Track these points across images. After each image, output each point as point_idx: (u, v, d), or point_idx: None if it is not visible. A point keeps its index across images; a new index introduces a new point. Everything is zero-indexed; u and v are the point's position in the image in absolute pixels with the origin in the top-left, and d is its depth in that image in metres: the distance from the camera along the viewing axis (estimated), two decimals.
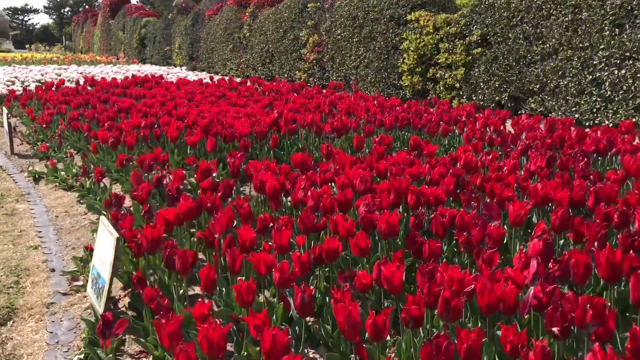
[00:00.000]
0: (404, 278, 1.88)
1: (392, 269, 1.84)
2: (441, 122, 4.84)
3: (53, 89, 8.49)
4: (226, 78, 12.37)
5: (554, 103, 7.18)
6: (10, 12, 77.96)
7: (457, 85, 8.51)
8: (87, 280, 2.83)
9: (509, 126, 5.85)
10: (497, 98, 8.02)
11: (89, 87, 8.44)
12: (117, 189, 4.43)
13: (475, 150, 3.73)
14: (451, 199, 2.89)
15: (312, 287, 2.04)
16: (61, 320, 2.62)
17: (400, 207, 2.85)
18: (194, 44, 18.54)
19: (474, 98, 8.33)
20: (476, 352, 1.50)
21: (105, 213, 3.66)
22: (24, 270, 3.17)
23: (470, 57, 8.35)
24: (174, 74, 14.08)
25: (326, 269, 2.50)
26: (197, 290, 2.61)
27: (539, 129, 4.68)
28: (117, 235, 2.40)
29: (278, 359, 1.54)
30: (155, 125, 5.17)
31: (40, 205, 4.33)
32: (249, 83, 10.09)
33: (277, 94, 8.13)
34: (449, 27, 8.68)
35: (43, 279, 3.06)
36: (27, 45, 58.61)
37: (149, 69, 15.43)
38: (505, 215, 2.58)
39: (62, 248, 3.49)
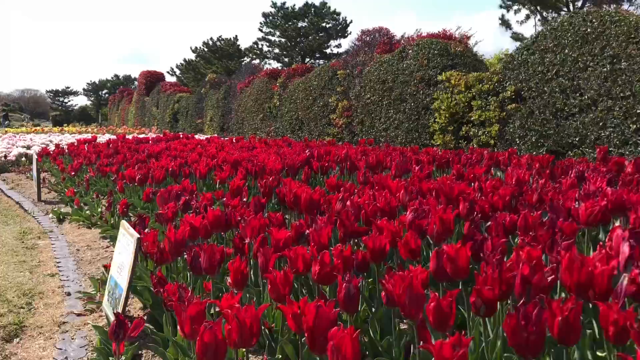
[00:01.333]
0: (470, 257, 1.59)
1: (456, 247, 1.55)
2: (482, 161, 4.60)
3: (85, 145, 8.53)
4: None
5: (596, 155, 6.88)
6: (52, 94, 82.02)
7: (492, 142, 8.30)
8: (103, 297, 2.57)
9: None
10: (534, 153, 7.75)
11: (119, 142, 8.49)
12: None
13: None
14: (507, 213, 2.59)
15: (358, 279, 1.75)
16: (72, 338, 2.34)
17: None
18: (225, 115, 18.92)
19: None
20: (575, 324, 1.19)
21: None
22: (37, 294, 2.93)
23: (505, 113, 8.18)
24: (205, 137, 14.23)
25: (370, 280, 2.20)
26: None
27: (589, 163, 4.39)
28: (137, 236, 2.17)
29: (324, 335, 1.24)
30: (185, 166, 5.04)
31: (61, 241, 4.14)
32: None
33: (307, 147, 8.02)
34: (481, 85, 8.60)
35: (57, 302, 2.80)
36: (65, 125, 61.20)
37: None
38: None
39: (80, 276, 3.25)
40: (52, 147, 11.17)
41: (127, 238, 2.26)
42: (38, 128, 25.01)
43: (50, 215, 5.03)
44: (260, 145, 7.62)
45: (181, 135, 10.05)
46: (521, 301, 1.24)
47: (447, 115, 9.08)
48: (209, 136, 14.36)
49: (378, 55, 11.44)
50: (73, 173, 6.14)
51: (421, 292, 1.34)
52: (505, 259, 2.00)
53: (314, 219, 2.66)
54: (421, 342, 1.34)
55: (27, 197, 6.34)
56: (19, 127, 50.12)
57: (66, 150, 8.26)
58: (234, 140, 9.37)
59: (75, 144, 9.22)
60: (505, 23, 20.77)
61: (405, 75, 10.25)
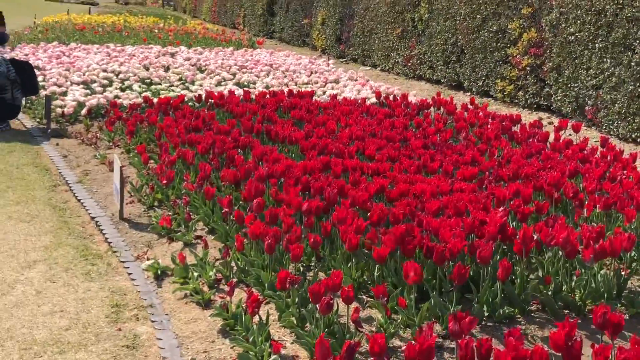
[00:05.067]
0: None
1: None
2: None
3: (170, 112, 8.94)
4: (396, 90, 12.35)
5: None
6: None
7: None
8: None
9: None
10: None
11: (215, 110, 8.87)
12: (273, 313, 4.49)
13: None
14: None
15: None
16: None
17: None
18: (344, 20, 18.82)
19: None
20: None
21: None
22: None
23: None
24: (320, 72, 14.36)
25: None
26: None
27: None
28: None
29: None
30: (324, 217, 5.25)
31: (168, 332, 4.47)
32: (432, 110, 9.96)
33: (480, 138, 7.92)
34: None
35: None
36: None
37: (284, 61, 15.85)
38: None
39: None
40: (116, 85, 11.79)
41: None
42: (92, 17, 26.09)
43: (144, 266, 5.42)
44: (412, 136, 7.70)
45: (297, 96, 10.23)
46: None
47: None
48: (325, 67, 14.37)
49: None
50: (165, 182, 6.51)
51: None
52: None
53: None
54: None
55: (102, 203, 6.82)
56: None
57: (145, 118, 8.71)
58: (368, 110, 9.42)
59: (154, 101, 9.67)
60: None
61: (634, 8, 9.67)
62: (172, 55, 15.97)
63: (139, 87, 11.86)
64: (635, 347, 3.15)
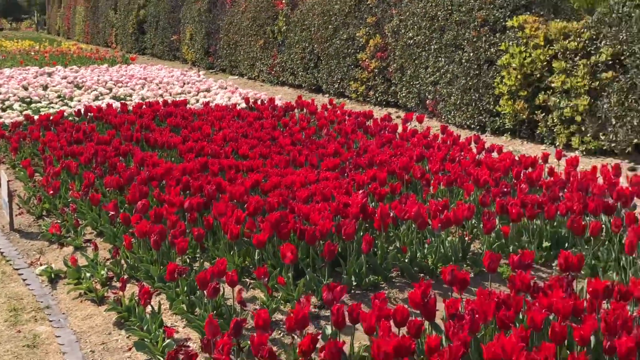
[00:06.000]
0: None
1: None
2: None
3: (51, 127, 8.64)
4: (263, 95, 12.41)
5: None
6: None
7: (578, 118, 8.35)
8: None
9: None
10: (635, 140, 7.84)
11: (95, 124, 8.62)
12: (164, 303, 4.44)
13: None
14: None
15: None
16: None
17: None
18: (211, 34, 18.67)
19: (601, 137, 8.16)
20: None
21: None
22: None
23: (598, 83, 8.19)
24: (192, 83, 14.20)
25: None
26: None
27: None
28: None
29: None
30: (206, 212, 5.24)
31: (66, 329, 4.35)
32: (296, 112, 10.14)
33: (340, 133, 8.13)
34: (567, 41, 8.54)
35: None
36: None
37: (158, 74, 15.56)
38: None
39: None
40: None
41: None
42: None
43: (37, 271, 5.23)
44: (280, 135, 7.79)
45: (172, 105, 10.11)
46: None
47: (518, 75, 9.11)
48: (195, 78, 14.20)
49: None
50: (51, 192, 6.29)
51: None
52: None
53: None
54: None
55: None
56: None
57: (28, 135, 8.37)
58: (239, 114, 9.43)
59: (35, 118, 9.31)
60: None
61: (461, 13, 10.15)
62: (50, 74, 15.34)
63: (20, 106, 11.36)
64: (480, 297, 3.35)
